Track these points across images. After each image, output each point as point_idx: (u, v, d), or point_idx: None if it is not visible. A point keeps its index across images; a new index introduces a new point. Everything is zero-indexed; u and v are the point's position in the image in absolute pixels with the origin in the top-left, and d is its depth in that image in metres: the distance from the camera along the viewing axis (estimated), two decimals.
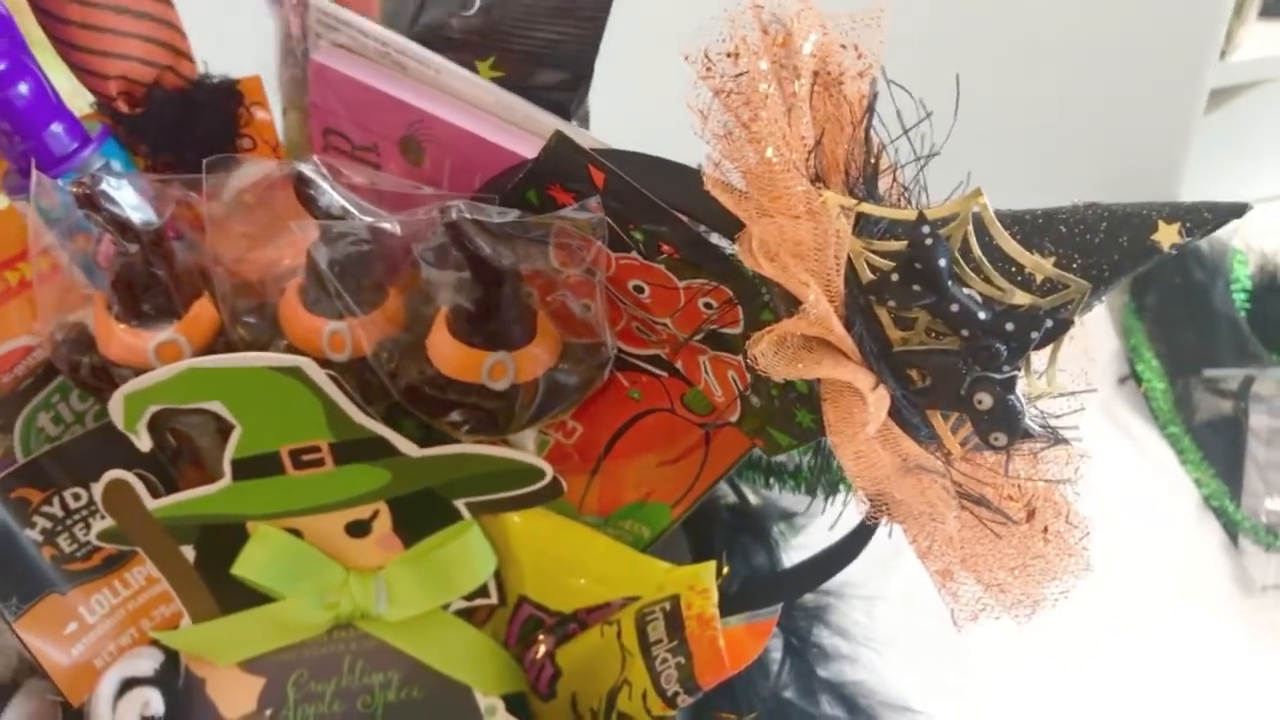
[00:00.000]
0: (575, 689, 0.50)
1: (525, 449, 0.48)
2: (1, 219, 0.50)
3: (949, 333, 0.37)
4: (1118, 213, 0.37)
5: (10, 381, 0.48)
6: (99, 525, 0.47)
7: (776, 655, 0.56)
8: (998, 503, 0.39)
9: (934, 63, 0.44)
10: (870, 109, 0.40)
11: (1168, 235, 0.36)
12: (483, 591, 0.50)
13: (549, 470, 0.47)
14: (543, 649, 0.51)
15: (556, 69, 0.47)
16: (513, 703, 0.51)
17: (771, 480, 0.61)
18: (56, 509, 0.48)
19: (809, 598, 0.59)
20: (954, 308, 0.36)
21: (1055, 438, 0.43)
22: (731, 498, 0.59)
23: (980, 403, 0.37)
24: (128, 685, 0.47)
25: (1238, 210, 0.36)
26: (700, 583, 0.46)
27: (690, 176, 0.40)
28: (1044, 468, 0.43)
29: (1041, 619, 0.41)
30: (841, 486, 0.57)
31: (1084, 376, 0.45)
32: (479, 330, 0.42)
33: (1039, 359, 0.41)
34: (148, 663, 0.48)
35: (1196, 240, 0.37)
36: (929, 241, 0.36)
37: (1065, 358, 0.45)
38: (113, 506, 0.46)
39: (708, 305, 0.43)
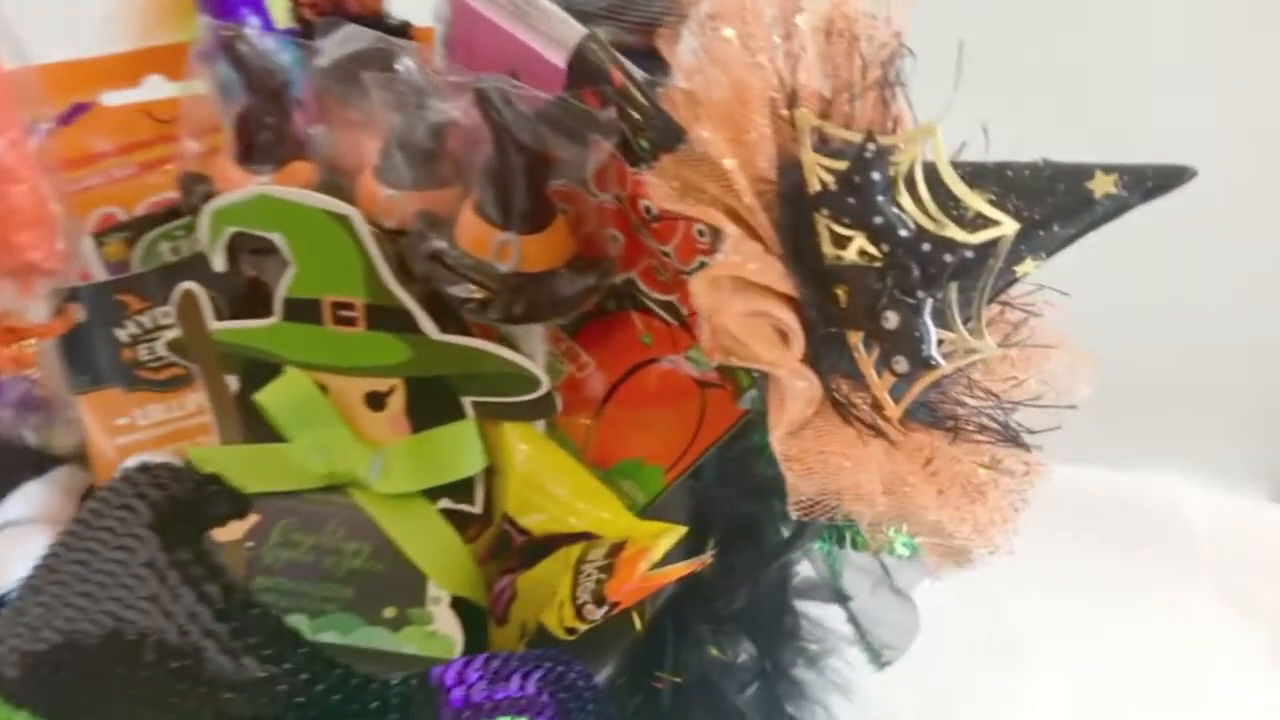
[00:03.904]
0: (524, 616, 0.52)
1: (533, 359, 0.51)
2: (203, 101, 0.60)
3: (875, 252, 0.38)
4: (1065, 165, 0.37)
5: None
6: (169, 334, 0.54)
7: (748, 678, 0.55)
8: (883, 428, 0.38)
9: None
10: (886, 78, 0.42)
11: (1102, 184, 0.36)
12: (468, 497, 0.53)
13: (545, 381, 0.50)
14: (512, 575, 0.53)
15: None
16: (470, 616, 0.52)
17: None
18: (147, 320, 0.55)
19: (808, 643, 0.58)
20: (878, 220, 0.38)
21: (1010, 437, 0.42)
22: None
23: (887, 320, 0.38)
24: None
25: (1179, 174, 0.36)
26: (662, 532, 0.47)
27: None
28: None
29: None
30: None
31: (1069, 393, 0.44)
32: (495, 207, 0.47)
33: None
34: (163, 460, 0.53)
35: (1135, 201, 0.36)
36: (868, 156, 0.38)
37: (1049, 374, 0.44)
38: (182, 316, 0.53)
39: (700, 233, 0.45)
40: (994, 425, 0.42)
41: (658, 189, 0.37)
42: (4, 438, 0.55)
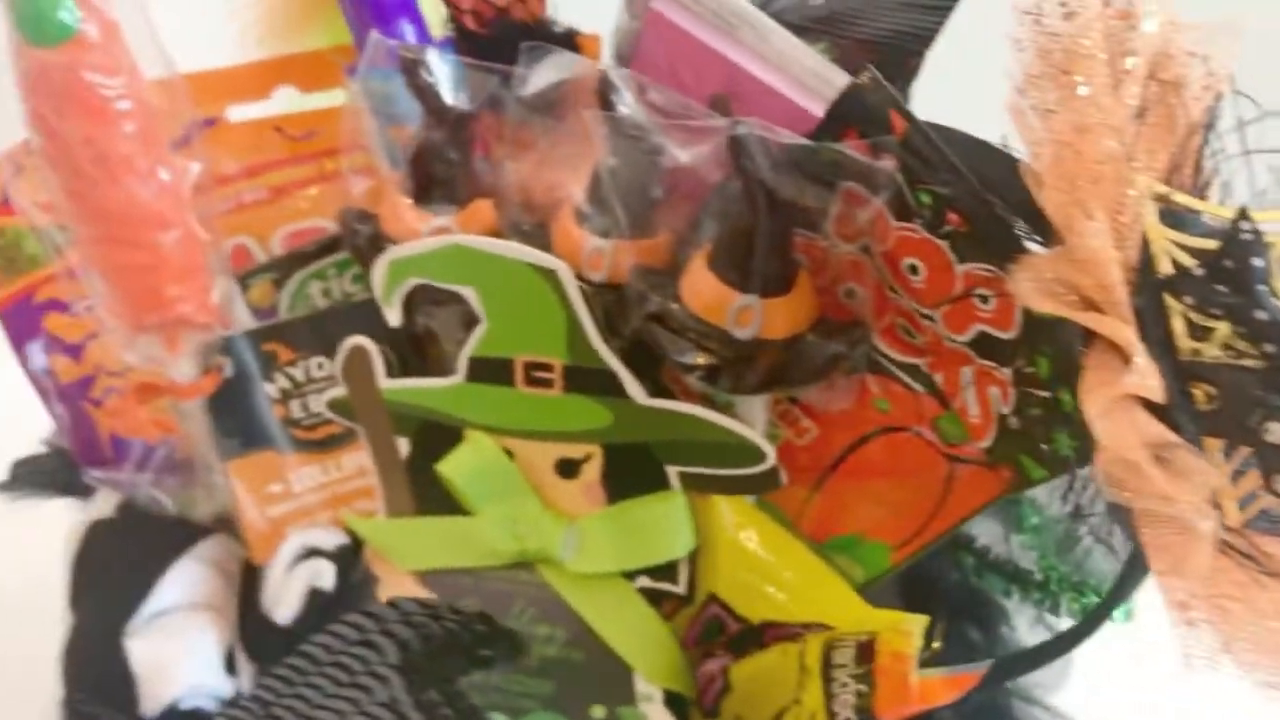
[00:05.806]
0: (740, 711, 0.46)
1: (753, 426, 0.45)
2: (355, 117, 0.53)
3: (1251, 351, 0.32)
4: None
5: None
6: (331, 393, 0.48)
7: None
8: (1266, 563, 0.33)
9: None
10: (1211, 122, 0.36)
11: None
12: (671, 576, 0.47)
13: (770, 453, 0.44)
14: (720, 661, 0.47)
15: (889, 57, 0.46)
16: (673, 705, 0.47)
17: (1012, 589, 0.55)
18: (299, 373, 0.49)
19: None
20: (1260, 314, 0.32)
21: None
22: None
23: (1269, 434, 0.32)
24: (308, 554, 0.47)
25: None
26: (905, 625, 0.42)
27: (1001, 158, 0.38)
28: None
29: None
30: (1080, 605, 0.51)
31: None
32: (736, 266, 0.41)
33: None
34: (332, 539, 0.47)
35: None
36: (1245, 237, 0.32)
37: None
38: (349, 374, 0.47)
39: (982, 299, 0.39)
40: None
41: (1030, 290, 0.31)
42: (144, 509, 0.49)
